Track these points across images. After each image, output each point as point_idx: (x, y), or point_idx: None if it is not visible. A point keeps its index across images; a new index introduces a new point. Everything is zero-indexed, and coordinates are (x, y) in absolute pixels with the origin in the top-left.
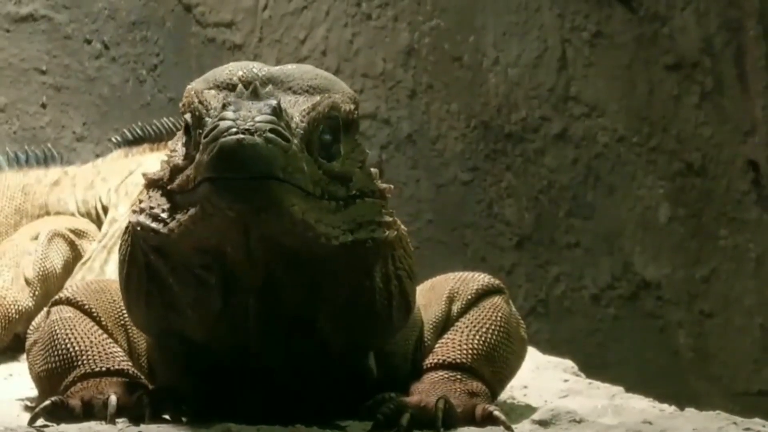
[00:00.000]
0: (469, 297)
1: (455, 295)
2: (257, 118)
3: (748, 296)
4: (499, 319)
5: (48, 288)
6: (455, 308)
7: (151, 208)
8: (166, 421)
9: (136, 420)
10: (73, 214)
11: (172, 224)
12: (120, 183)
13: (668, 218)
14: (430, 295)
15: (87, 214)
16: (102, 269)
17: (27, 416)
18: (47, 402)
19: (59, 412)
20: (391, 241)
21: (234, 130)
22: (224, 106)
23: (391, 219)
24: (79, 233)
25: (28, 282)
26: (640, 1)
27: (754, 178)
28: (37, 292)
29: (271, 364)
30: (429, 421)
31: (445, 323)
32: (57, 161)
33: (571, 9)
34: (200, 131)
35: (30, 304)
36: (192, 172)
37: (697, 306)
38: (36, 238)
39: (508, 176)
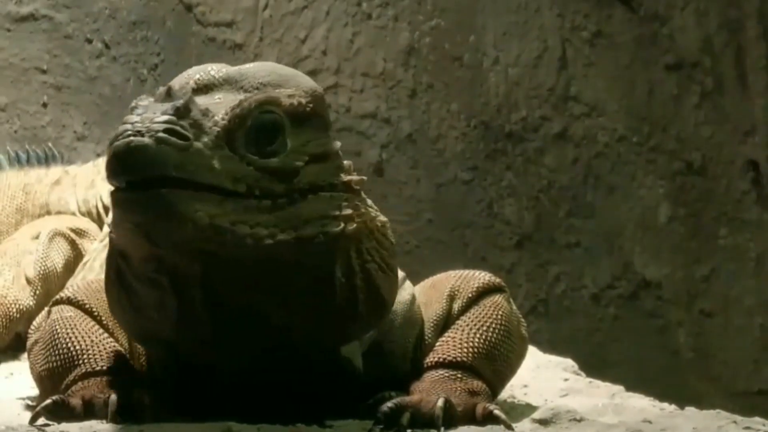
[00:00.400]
0: (470, 295)
1: (456, 293)
2: (155, 119)
3: (748, 296)
4: (499, 317)
5: (49, 287)
6: (456, 306)
7: None
8: (166, 420)
9: (136, 419)
10: (74, 214)
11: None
12: None
13: (668, 218)
14: (431, 293)
15: (88, 214)
16: (102, 269)
17: (28, 415)
18: (48, 401)
19: (60, 411)
20: (352, 234)
21: (128, 132)
22: (131, 110)
23: (352, 212)
24: (80, 232)
25: (29, 281)
26: (640, 1)
27: (754, 177)
28: (38, 292)
29: (236, 360)
30: (429, 421)
31: (446, 321)
32: (58, 160)
33: (571, 9)
34: None
35: (31, 303)
36: None
37: (697, 305)
38: (37, 237)
39: (508, 176)
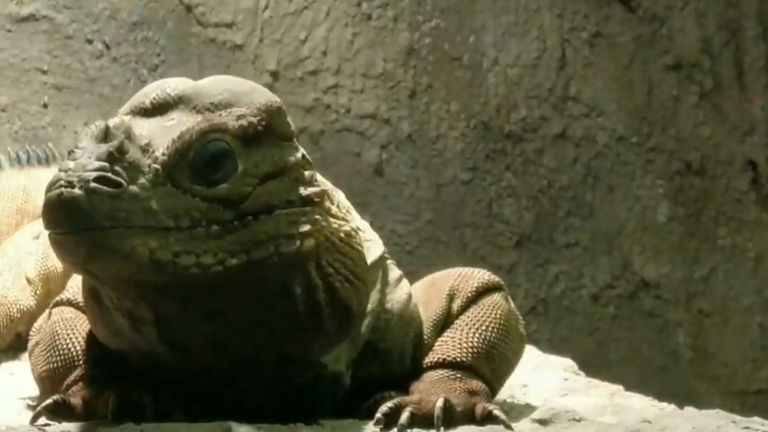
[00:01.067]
0: (469, 294)
1: (455, 292)
2: (88, 166)
3: (746, 295)
4: (498, 316)
5: (49, 287)
6: (455, 305)
7: None
8: (166, 420)
9: (136, 419)
10: None
11: None
12: None
13: (667, 218)
14: (430, 292)
15: None
16: None
17: (29, 415)
18: (49, 401)
19: (61, 411)
20: (309, 251)
21: (61, 182)
22: (69, 154)
23: (310, 227)
24: None
25: (29, 281)
26: (639, 1)
27: (752, 177)
28: (38, 292)
29: (209, 379)
30: (429, 421)
31: (445, 320)
32: (58, 161)
33: (570, 9)
34: None
35: (31, 304)
36: None
37: (696, 305)
38: (37, 237)
39: (507, 176)
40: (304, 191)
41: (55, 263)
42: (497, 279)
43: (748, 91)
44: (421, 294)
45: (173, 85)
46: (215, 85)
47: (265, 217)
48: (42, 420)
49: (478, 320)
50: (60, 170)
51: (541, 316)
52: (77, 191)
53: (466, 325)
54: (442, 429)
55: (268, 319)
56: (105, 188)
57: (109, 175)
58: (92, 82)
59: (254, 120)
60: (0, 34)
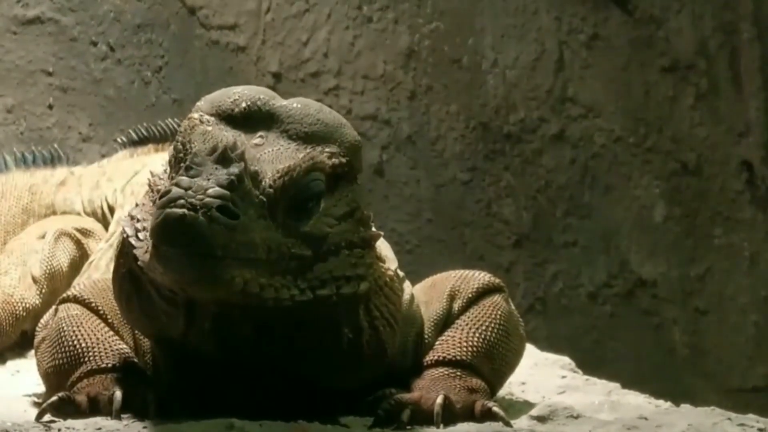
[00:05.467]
0: (470, 295)
1: (456, 293)
2: (209, 191)
3: (742, 294)
4: (498, 317)
5: (55, 286)
6: (456, 306)
7: (137, 220)
8: (170, 417)
9: (140, 416)
10: (79, 214)
11: (144, 253)
12: (126, 183)
13: (664, 217)
14: (431, 293)
15: (93, 214)
16: (108, 267)
17: (34, 412)
18: (54, 398)
19: (66, 408)
20: (363, 294)
21: (181, 202)
22: (187, 169)
23: (365, 270)
24: (86, 232)
25: (35, 280)
26: (635, 4)
27: (748, 178)
28: (44, 290)
29: (237, 371)
30: (429, 417)
31: (446, 320)
32: (63, 161)
33: (568, 12)
34: (179, 168)
35: (37, 302)
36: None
37: (692, 304)
38: (43, 237)
39: (506, 176)
40: (364, 233)
41: (61, 262)
42: (497, 281)
43: (743, 93)
44: (422, 294)
45: (262, 98)
46: (307, 112)
47: (333, 258)
48: (47, 417)
49: (479, 320)
50: (178, 186)
51: (539, 315)
52: (200, 217)
53: (467, 324)
54: (441, 426)
55: (312, 351)
56: (225, 219)
57: (230, 205)
58: (97, 84)
59: (344, 160)
60: (6, 37)
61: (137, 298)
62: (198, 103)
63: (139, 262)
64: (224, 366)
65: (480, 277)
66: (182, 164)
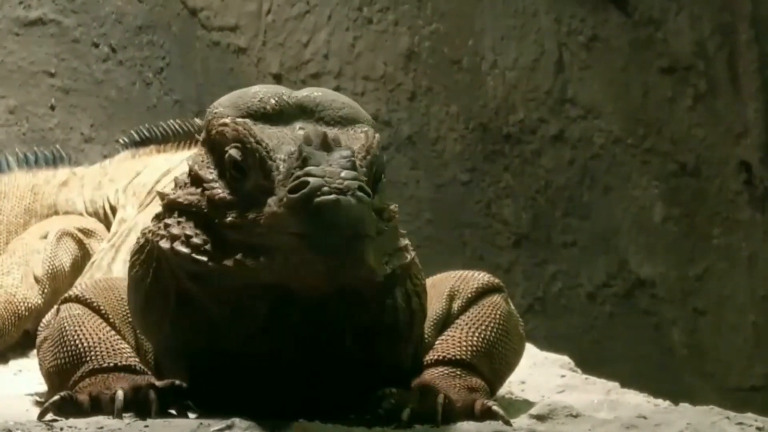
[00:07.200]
0: (469, 295)
1: (456, 293)
2: (343, 174)
3: (740, 294)
4: (498, 317)
5: (57, 286)
6: (455, 306)
7: (189, 237)
8: (172, 416)
9: (142, 415)
10: (81, 214)
11: (228, 261)
12: (127, 184)
13: (662, 218)
14: (431, 293)
15: (95, 214)
16: (109, 267)
17: (36, 411)
18: (56, 397)
19: (68, 407)
20: (411, 264)
21: (326, 189)
22: (304, 159)
23: (406, 241)
24: (87, 232)
25: (37, 280)
26: (635, 5)
27: (746, 178)
28: (46, 290)
29: (296, 371)
30: (429, 416)
31: (446, 320)
32: (65, 162)
33: (567, 13)
34: (261, 173)
35: (39, 302)
36: (268, 219)
37: (690, 304)
38: (45, 237)
39: (506, 177)
40: (390, 206)
41: (63, 262)
42: (497, 281)
43: (741, 94)
44: None
45: (283, 92)
46: (331, 98)
47: (387, 230)
48: (49, 416)
49: (478, 320)
50: (311, 174)
51: (538, 315)
52: (351, 199)
53: (466, 324)
54: (441, 425)
55: (374, 322)
56: (367, 198)
57: (364, 185)
58: (98, 85)
59: (378, 135)
60: (8, 38)
61: (187, 315)
62: (218, 110)
63: (225, 271)
64: (273, 364)
65: (479, 277)
66: (268, 165)
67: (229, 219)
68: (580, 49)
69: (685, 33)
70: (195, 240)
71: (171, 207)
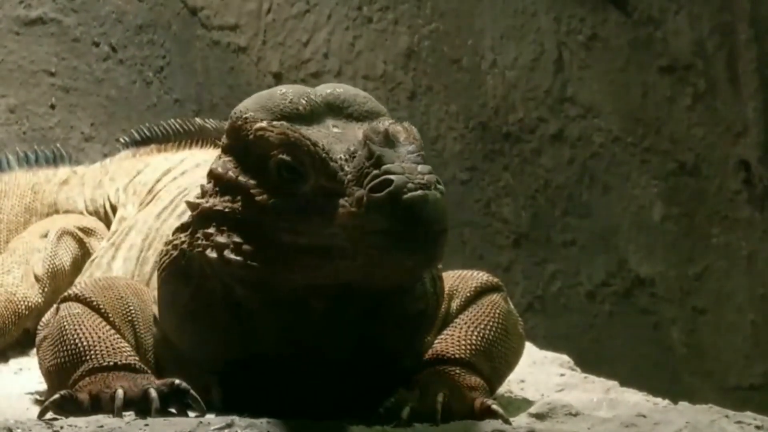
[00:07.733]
0: (468, 294)
1: (455, 292)
2: (419, 169)
3: (739, 293)
4: (497, 316)
5: (57, 284)
6: (455, 305)
7: (239, 244)
8: (172, 415)
9: (142, 413)
10: (81, 213)
11: (287, 265)
12: (128, 183)
13: (662, 217)
14: None
15: (95, 213)
16: (109, 266)
17: (37, 410)
18: (56, 396)
19: (68, 406)
20: None
21: (411, 185)
22: (378, 158)
23: None
24: (88, 231)
25: (37, 279)
26: (634, 5)
27: (745, 177)
28: (46, 289)
29: (330, 366)
30: (429, 415)
31: (445, 319)
32: (66, 161)
33: (566, 13)
34: (323, 174)
35: (39, 301)
36: (344, 219)
37: (690, 303)
38: (45, 235)
39: (505, 176)
40: None
41: (63, 261)
42: (496, 280)
43: (741, 93)
44: None
45: (308, 91)
46: (352, 92)
47: None
48: (49, 414)
49: (477, 319)
50: (391, 172)
51: (538, 313)
52: (437, 194)
53: (465, 323)
54: (441, 423)
55: (407, 307)
56: (444, 191)
57: (439, 179)
58: (99, 84)
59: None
60: (8, 37)
61: (235, 322)
62: (247, 115)
63: (286, 275)
64: (316, 362)
65: (478, 277)
66: (330, 167)
67: (286, 223)
68: (580, 49)
69: (685, 32)
70: (246, 247)
71: (207, 216)
